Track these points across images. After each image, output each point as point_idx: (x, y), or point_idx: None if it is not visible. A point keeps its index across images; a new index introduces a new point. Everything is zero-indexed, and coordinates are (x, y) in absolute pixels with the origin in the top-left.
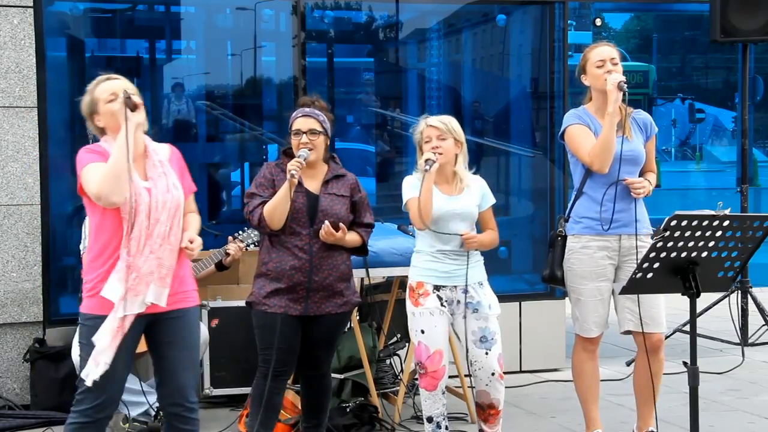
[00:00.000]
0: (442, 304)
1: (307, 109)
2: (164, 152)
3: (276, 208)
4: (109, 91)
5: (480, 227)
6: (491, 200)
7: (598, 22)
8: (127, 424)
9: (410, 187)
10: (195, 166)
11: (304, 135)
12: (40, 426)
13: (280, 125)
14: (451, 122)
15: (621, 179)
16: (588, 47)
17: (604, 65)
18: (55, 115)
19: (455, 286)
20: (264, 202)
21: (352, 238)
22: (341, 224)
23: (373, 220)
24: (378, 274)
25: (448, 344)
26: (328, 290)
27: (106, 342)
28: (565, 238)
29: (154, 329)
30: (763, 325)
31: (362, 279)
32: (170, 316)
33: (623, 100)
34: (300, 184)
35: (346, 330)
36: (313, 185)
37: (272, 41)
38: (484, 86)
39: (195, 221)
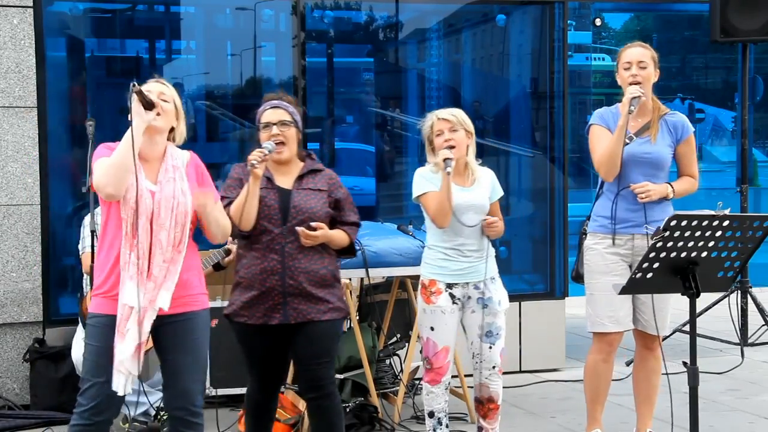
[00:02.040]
0: (453, 302)
1: (276, 101)
2: (182, 158)
3: (241, 206)
4: (133, 81)
5: None
6: (500, 192)
7: (598, 22)
8: (127, 424)
9: (424, 179)
10: None
11: (275, 127)
12: (40, 426)
13: None
14: (460, 114)
15: (627, 185)
16: (624, 46)
17: (630, 68)
18: (55, 115)
19: (467, 283)
20: (231, 203)
21: (338, 235)
22: (316, 223)
23: (359, 218)
24: (378, 274)
25: (455, 341)
26: (306, 296)
27: (130, 352)
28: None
29: (160, 332)
30: (763, 325)
31: (362, 279)
32: (175, 320)
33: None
34: (271, 181)
35: (344, 331)
36: (285, 182)
37: (272, 41)
38: (484, 86)
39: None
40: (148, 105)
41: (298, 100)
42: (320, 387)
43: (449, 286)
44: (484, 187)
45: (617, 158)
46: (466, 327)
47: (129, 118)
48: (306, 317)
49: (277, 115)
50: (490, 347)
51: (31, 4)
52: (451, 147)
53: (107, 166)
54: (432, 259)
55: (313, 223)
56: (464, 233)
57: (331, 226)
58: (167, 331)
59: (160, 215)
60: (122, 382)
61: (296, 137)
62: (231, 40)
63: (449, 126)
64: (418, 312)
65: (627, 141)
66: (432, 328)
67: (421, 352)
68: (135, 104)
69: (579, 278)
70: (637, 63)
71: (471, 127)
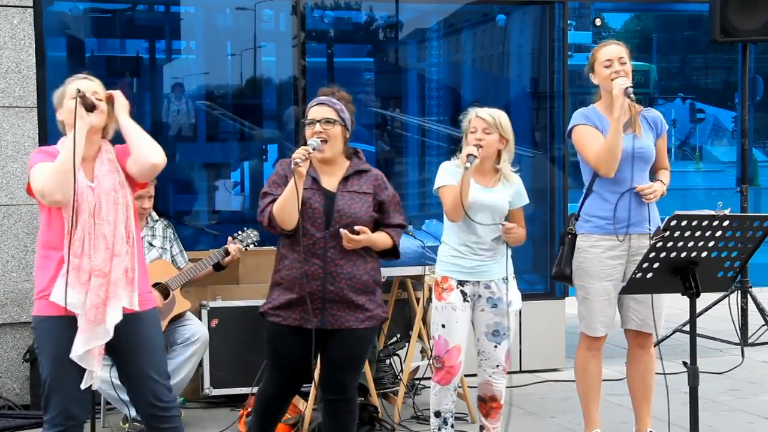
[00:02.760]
0: (465, 300)
1: (324, 98)
2: (114, 150)
3: (285, 206)
4: (76, 88)
5: None
6: (525, 200)
7: (598, 22)
8: (127, 425)
9: (447, 172)
10: (195, 166)
11: (318, 124)
12: (40, 426)
13: (280, 125)
14: (500, 117)
15: (632, 186)
16: (597, 45)
17: (612, 65)
18: (55, 115)
19: (478, 281)
20: (275, 200)
21: (381, 239)
22: (359, 227)
23: (405, 220)
24: None
25: (467, 340)
26: (347, 302)
27: (81, 350)
28: (575, 236)
29: (115, 334)
30: (763, 325)
31: None
32: (130, 319)
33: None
34: (317, 181)
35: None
36: (330, 183)
37: (272, 41)
38: (484, 86)
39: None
40: (90, 107)
41: (298, 100)
42: (344, 391)
43: (460, 283)
44: (506, 191)
45: (619, 151)
46: (475, 324)
47: (61, 123)
48: (344, 325)
49: (322, 112)
50: (496, 346)
51: (31, 4)
52: (480, 146)
53: (52, 172)
54: (445, 256)
55: (356, 227)
56: (477, 231)
57: (375, 228)
58: (121, 332)
59: (101, 209)
60: (89, 378)
61: (342, 135)
62: (231, 40)
63: (484, 126)
64: (431, 310)
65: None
66: (443, 326)
67: (422, 351)
68: (78, 109)
69: (563, 277)
70: (618, 59)
71: (508, 134)
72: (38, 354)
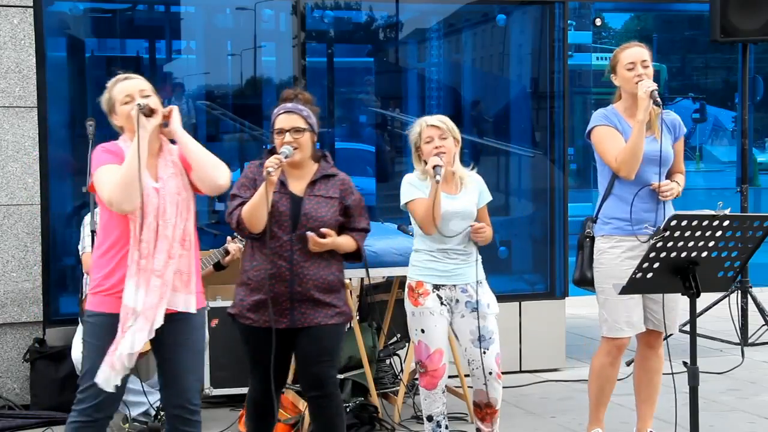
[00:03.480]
0: (441, 303)
1: (290, 105)
2: (176, 151)
3: (254, 210)
4: (125, 92)
5: None
6: (488, 197)
7: (598, 22)
8: (127, 425)
9: (411, 186)
10: None
11: (287, 134)
12: (40, 426)
13: None
14: (448, 121)
15: (648, 183)
16: (619, 47)
17: (635, 68)
18: (55, 115)
19: (454, 285)
20: (243, 203)
21: (345, 242)
22: (325, 230)
23: (369, 224)
24: (378, 274)
25: (447, 343)
26: (314, 301)
27: (135, 349)
28: (593, 239)
29: (161, 331)
30: (763, 325)
31: (362, 279)
32: (176, 318)
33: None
34: (284, 185)
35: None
36: (297, 187)
37: (272, 41)
38: (484, 86)
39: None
40: (150, 113)
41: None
42: (322, 386)
43: (436, 287)
44: (471, 194)
45: (641, 154)
46: (458, 333)
47: (119, 129)
48: (313, 321)
49: (290, 121)
50: (484, 352)
51: (31, 4)
52: (441, 154)
53: (119, 183)
54: (418, 261)
55: (322, 230)
56: (451, 240)
57: (340, 232)
58: (166, 330)
59: (166, 211)
60: (110, 377)
61: (311, 141)
62: (231, 40)
63: (439, 133)
64: (407, 316)
65: None
66: (422, 330)
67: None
68: (137, 118)
69: (584, 282)
70: (641, 62)
71: (459, 135)
72: (84, 346)
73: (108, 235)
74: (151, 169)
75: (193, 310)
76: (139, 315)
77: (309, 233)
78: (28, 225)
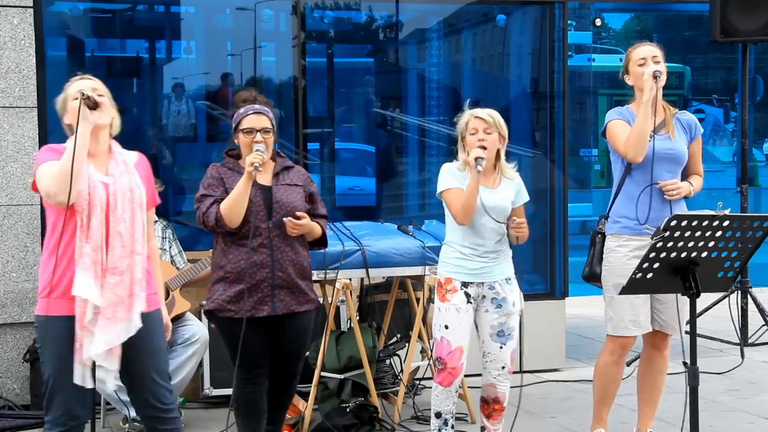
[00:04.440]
0: (468, 301)
1: (257, 106)
2: (131, 157)
3: (235, 205)
4: (78, 89)
5: None
6: (525, 197)
7: (598, 22)
8: (127, 425)
9: (450, 175)
10: (195, 166)
11: (258, 133)
12: (40, 426)
13: (280, 125)
14: (496, 116)
15: (654, 182)
16: (631, 47)
17: (646, 63)
18: (55, 115)
19: (482, 283)
20: (217, 201)
21: (315, 226)
22: (300, 213)
23: (326, 211)
24: (378, 274)
25: (469, 342)
26: (292, 287)
27: (101, 351)
28: (604, 236)
29: None
30: (763, 325)
31: (362, 279)
32: None
33: (663, 94)
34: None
35: (344, 331)
36: (264, 179)
37: (272, 41)
38: (484, 86)
39: (156, 260)
40: (94, 105)
41: (298, 100)
42: (293, 375)
43: (465, 284)
44: (508, 191)
45: (647, 135)
46: (479, 325)
47: (68, 127)
48: (290, 308)
49: (260, 122)
50: (501, 347)
51: (31, 4)
52: (483, 147)
53: (57, 173)
54: (448, 258)
55: (298, 213)
56: (484, 234)
57: None
58: None
59: (116, 207)
60: (85, 375)
61: (274, 141)
62: (231, 40)
63: (485, 126)
64: (433, 311)
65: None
66: (446, 327)
67: (422, 351)
68: (81, 109)
69: (592, 278)
70: (652, 58)
71: (505, 131)
72: (40, 353)
73: (55, 233)
74: (102, 167)
75: (144, 309)
76: (99, 313)
77: (286, 218)
78: (28, 225)
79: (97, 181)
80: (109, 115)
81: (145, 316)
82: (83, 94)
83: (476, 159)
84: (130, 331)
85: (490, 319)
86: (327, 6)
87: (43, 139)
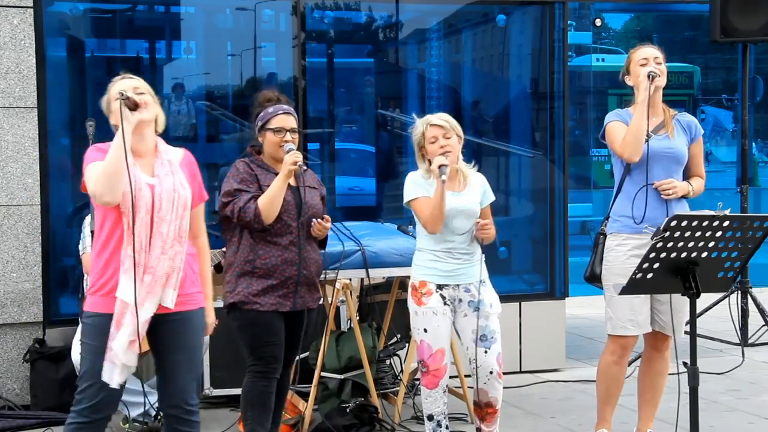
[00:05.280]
0: (445, 303)
1: (286, 106)
2: (176, 155)
3: (274, 201)
4: (119, 90)
5: None
6: (491, 197)
7: (598, 22)
8: (127, 425)
9: (415, 185)
10: None
11: (288, 133)
12: (40, 426)
13: None
14: (450, 119)
15: (650, 183)
16: (633, 49)
17: (648, 63)
18: (55, 115)
19: (458, 285)
20: (254, 197)
21: None
22: (327, 216)
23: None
24: (378, 274)
25: (449, 343)
26: (311, 285)
27: (124, 344)
28: (606, 236)
29: (158, 330)
30: (763, 325)
31: (362, 279)
32: (174, 318)
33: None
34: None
35: (344, 331)
36: (290, 180)
37: (272, 41)
38: (484, 86)
39: (206, 258)
40: (134, 106)
41: (298, 100)
42: (289, 365)
43: (440, 287)
44: (475, 192)
45: (643, 134)
46: (460, 332)
47: (114, 127)
48: (306, 305)
49: (289, 122)
50: (486, 351)
51: (31, 4)
52: (447, 153)
53: (101, 174)
54: (422, 261)
55: (325, 215)
56: (455, 236)
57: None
58: (163, 330)
59: (161, 208)
60: (113, 373)
61: (298, 142)
62: (231, 40)
63: (443, 132)
64: (410, 315)
65: (645, 138)
66: (425, 330)
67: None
68: (123, 110)
69: (594, 279)
70: (653, 58)
71: (461, 132)
72: (82, 346)
73: (102, 233)
74: (147, 167)
75: (171, 305)
76: (128, 311)
77: (315, 220)
78: (28, 225)
79: (144, 182)
80: (152, 112)
81: (187, 314)
82: (122, 95)
83: (440, 167)
84: (143, 327)
85: (470, 324)
86: (327, 6)
87: (43, 139)
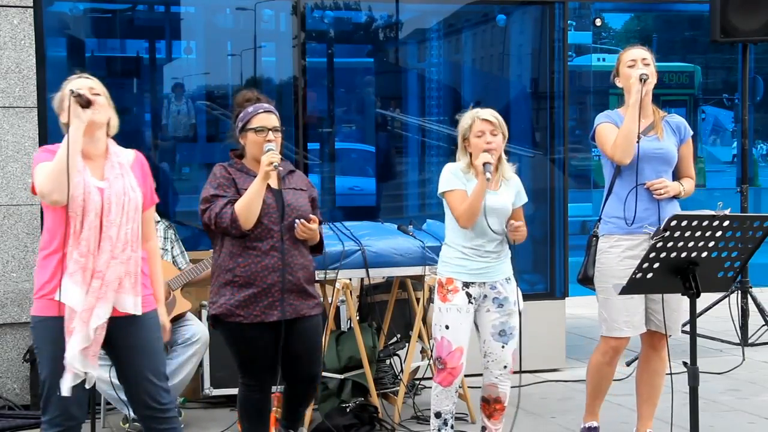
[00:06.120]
0: (470, 302)
1: (267, 105)
2: (127, 157)
3: (251, 205)
4: (69, 89)
5: None
6: (524, 198)
7: (598, 22)
8: (127, 425)
9: (453, 176)
10: (195, 166)
11: (270, 132)
12: (40, 426)
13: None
14: (499, 117)
15: (641, 183)
16: (623, 50)
17: (636, 65)
18: (55, 115)
19: (484, 283)
20: (231, 202)
21: (318, 231)
22: (312, 216)
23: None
24: (378, 274)
25: (469, 342)
26: (301, 292)
27: (76, 350)
28: (599, 238)
29: (113, 335)
30: (763, 325)
31: (362, 279)
32: (126, 322)
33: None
34: None
35: (344, 331)
36: (272, 181)
37: (272, 41)
38: (484, 86)
39: (157, 260)
40: (86, 104)
41: (298, 100)
42: (313, 379)
43: (466, 285)
44: (509, 192)
45: (634, 137)
46: (480, 325)
47: (64, 126)
48: (299, 313)
49: (271, 120)
50: (503, 347)
51: (31, 4)
52: (491, 150)
53: (50, 172)
54: (449, 258)
55: (311, 216)
56: (486, 234)
57: None
58: (118, 334)
59: (110, 212)
60: (69, 382)
61: (281, 142)
62: (231, 40)
63: (491, 128)
64: (433, 311)
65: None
66: (447, 327)
67: (422, 351)
68: (73, 107)
69: (587, 281)
70: (642, 60)
71: (506, 131)
72: (37, 354)
73: (49, 236)
74: (98, 170)
75: (139, 312)
76: (76, 317)
77: (298, 221)
78: (28, 225)
79: (93, 186)
80: (105, 114)
81: (140, 317)
82: (73, 92)
83: (484, 164)
84: (92, 335)
85: (491, 319)
86: (327, 6)
87: (43, 139)
